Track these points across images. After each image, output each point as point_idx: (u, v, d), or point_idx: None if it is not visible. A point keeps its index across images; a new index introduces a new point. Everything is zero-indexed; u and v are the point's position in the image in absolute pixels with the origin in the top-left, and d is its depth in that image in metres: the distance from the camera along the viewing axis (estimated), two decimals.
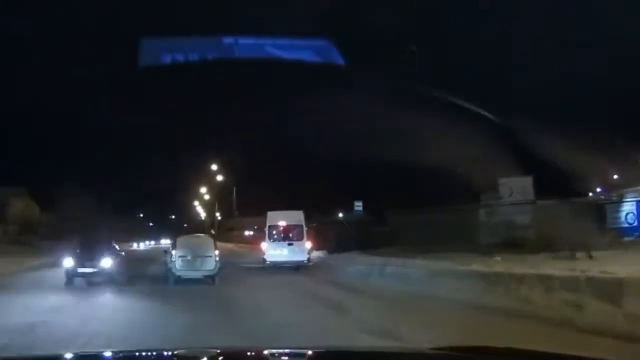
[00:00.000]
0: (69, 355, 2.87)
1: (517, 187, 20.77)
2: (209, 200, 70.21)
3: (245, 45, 13.74)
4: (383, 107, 20.04)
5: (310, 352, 3.04)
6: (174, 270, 15.88)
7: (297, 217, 21.94)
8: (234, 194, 51.89)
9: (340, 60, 13.11)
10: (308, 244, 21.82)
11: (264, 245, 21.63)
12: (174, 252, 16.21)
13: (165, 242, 65.24)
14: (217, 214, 74.86)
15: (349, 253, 22.12)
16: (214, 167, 52.25)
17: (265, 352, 3.04)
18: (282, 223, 21.76)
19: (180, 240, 17.04)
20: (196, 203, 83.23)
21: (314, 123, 25.58)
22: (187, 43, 13.86)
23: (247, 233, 57.40)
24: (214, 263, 16.04)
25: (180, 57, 13.74)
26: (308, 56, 13.45)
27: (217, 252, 16.48)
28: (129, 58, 14.44)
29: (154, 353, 3.28)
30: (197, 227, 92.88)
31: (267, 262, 21.13)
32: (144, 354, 3.23)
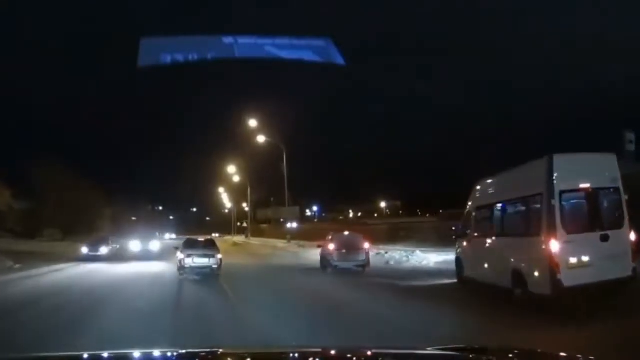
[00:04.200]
0: (70, 356, 2.93)
1: None
2: (238, 182, 62.06)
3: (245, 45, 13.56)
4: None
5: (311, 352, 3.06)
6: (332, 262, 19.39)
7: (606, 170, 10.44)
8: (284, 160, 38.22)
9: (340, 60, 12.79)
10: (632, 236, 10.22)
11: (555, 246, 9.58)
12: (330, 246, 19.69)
13: (164, 239, 54.54)
14: (244, 205, 70.92)
15: None
16: (253, 123, 40.06)
17: (266, 351, 3.13)
18: (585, 184, 10.27)
19: (335, 236, 20.67)
20: (221, 190, 76.93)
21: None
22: (187, 43, 13.76)
23: (289, 226, 48.53)
24: (364, 255, 19.38)
25: (180, 57, 13.66)
26: (308, 56, 13.16)
27: (367, 245, 19.84)
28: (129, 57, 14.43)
29: (155, 353, 3.19)
30: (224, 219, 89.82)
31: (564, 285, 9.42)
32: (143, 354, 3.14)
